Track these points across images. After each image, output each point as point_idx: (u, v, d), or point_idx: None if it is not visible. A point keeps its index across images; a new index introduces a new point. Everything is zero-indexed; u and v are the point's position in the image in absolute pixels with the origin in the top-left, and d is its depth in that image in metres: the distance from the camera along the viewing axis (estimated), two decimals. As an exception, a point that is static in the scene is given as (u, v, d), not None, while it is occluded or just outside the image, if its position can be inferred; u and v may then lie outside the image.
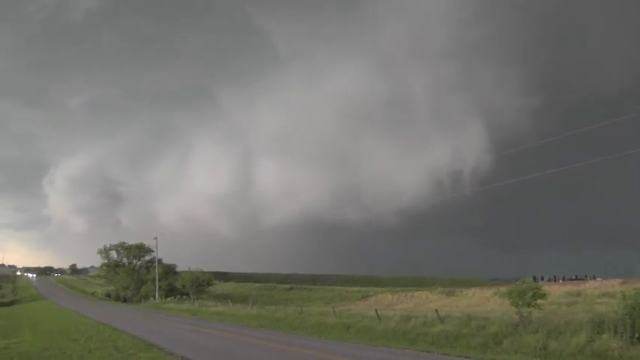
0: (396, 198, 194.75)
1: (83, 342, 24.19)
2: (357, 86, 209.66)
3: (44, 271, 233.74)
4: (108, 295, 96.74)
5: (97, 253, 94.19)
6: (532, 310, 21.11)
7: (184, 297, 73.18)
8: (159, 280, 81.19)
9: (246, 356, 20.51)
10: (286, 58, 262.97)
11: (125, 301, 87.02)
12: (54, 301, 76.81)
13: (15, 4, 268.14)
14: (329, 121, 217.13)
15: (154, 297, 79.05)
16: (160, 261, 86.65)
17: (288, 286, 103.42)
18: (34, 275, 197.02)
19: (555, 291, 45.35)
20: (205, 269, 79.76)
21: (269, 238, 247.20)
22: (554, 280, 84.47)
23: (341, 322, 30.60)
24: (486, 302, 47.82)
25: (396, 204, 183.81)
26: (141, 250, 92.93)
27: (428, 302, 56.46)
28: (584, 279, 78.87)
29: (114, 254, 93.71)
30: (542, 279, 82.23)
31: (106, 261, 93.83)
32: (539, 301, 21.19)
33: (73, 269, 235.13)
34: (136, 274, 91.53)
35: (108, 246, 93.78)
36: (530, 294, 21.03)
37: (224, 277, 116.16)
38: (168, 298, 74.08)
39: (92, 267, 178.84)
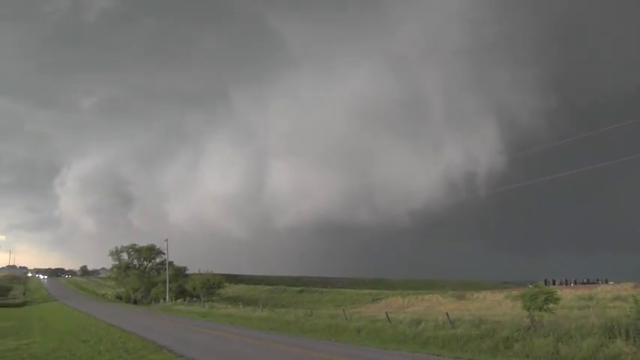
0: (408, 200, 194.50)
1: (93, 343, 24.28)
2: (370, 87, 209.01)
3: (55, 273, 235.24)
4: (118, 297, 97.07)
5: (108, 254, 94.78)
6: (544, 314, 20.93)
7: (194, 299, 73.33)
8: (169, 282, 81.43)
9: (256, 359, 20.49)
10: (299, 58, 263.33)
11: (135, 303, 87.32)
12: (64, 302, 77.18)
13: (29, 5, 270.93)
14: (342, 122, 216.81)
15: (164, 299, 79.28)
16: (170, 263, 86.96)
17: (298, 288, 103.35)
18: (45, 277, 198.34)
19: (567, 294, 44.95)
20: (216, 271, 79.88)
21: (280, 239, 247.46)
22: (566, 284, 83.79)
23: (352, 324, 30.52)
24: (498, 306, 47.52)
25: (408, 206, 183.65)
26: (152, 252, 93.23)
27: (439, 305, 56.17)
28: (596, 282, 78.21)
29: (125, 256, 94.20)
30: (554, 282, 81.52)
31: (117, 263, 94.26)
32: (551, 305, 21.01)
33: (84, 271, 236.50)
34: (147, 276, 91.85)
35: (119, 248, 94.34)
36: (543, 298, 20.85)
37: (234, 279, 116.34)
38: (179, 300, 74.25)
39: (103, 269, 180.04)
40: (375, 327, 28.33)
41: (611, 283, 66.16)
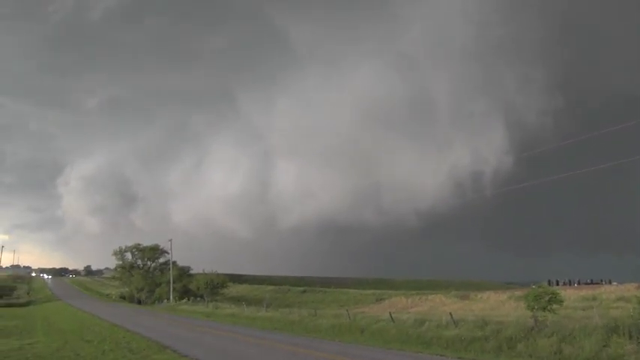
0: (412, 200, 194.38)
1: (97, 343, 24.35)
2: (377, 87, 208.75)
3: (59, 272, 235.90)
4: (122, 297, 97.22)
5: (112, 254, 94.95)
6: (547, 315, 20.92)
7: (198, 299, 73.44)
8: (173, 282, 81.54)
9: (260, 359, 20.53)
10: (306, 58, 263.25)
11: (139, 302, 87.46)
12: (68, 302, 77.31)
13: (33, 4, 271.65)
14: (348, 122, 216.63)
15: (168, 299, 79.39)
16: (174, 263, 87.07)
17: (302, 288, 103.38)
18: (49, 276, 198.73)
19: (571, 295, 44.83)
20: (220, 270, 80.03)
21: (284, 239, 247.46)
22: (570, 284, 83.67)
23: (355, 324, 30.57)
24: (501, 306, 47.45)
25: (412, 206, 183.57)
26: (155, 251, 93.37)
27: (442, 306, 56.12)
28: (599, 283, 78.06)
29: (129, 256, 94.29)
30: (558, 283, 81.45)
31: (121, 262, 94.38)
32: (554, 306, 21.00)
33: (88, 270, 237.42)
34: (151, 276, 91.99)
35: (123, 247, 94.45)
36: (547, 298, 20.84)
37: (238, 279, 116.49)
38: (183, 300, 74.35)
39: (107, 268, 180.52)
40: (378, 327, 28.37)
41: (615, 283, 66.03)
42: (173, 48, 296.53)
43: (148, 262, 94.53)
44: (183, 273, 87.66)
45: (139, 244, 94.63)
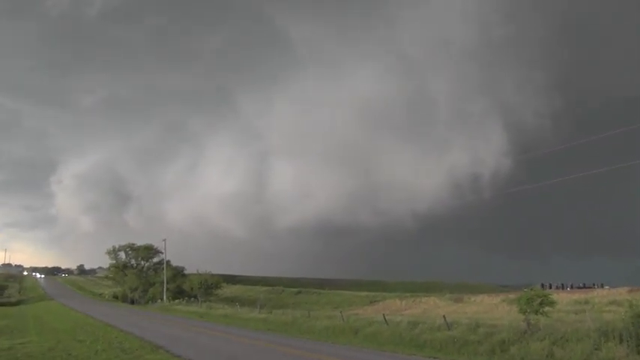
0: (409, 202, 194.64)
1: (89, 343, 24.26)
2: (375, 87, 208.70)
3: (51, 272, 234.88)
4: (115, 297, 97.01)
5: (106, 253, 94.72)
6: (540, 318, 21.01)
7: (192, 299, 73.33)
8: (167, 282, 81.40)
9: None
10: (305, 58, 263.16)
11: (133, 302, 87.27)
12: (61, 301, 77.06)
13: (30, 1, 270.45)
14: (345, 123, 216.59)
15: (162, 299, 79.24)
16: (168, 263, 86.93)
17: (296, 289, 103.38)
18: (42, 275, 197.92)
19: (563, 299, 45.06)
20: (214, 271, 79.95)
21: (280, 240, 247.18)
22: (562, 288, 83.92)
23: (349, 326, 30.61)
24: (494, 309, 47.61)
25: (409, 208, 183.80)
26: (149, 251, 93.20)
27: (436, 308, 56.25)
28: (592, 287, 78.38)
29: (122, 255, 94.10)
30: (551, 286, 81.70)
31: (115, 262, 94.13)
32: (546, 309, 21.08)
33: (81, 270, 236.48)
34: (144, 275, 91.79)
35: (116, 247, 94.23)
36: (539, 301, 20.92)
37: (232, 279, 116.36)
38: (176, 300, 74.24)
39: (100, 268, 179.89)
40: (372, 329, 28.41)
41: (607, 287, 66.33)
42: (171, 47, 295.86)
43: (142, 262, 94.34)
44: (177, 273, 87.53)
45: (132, 244, 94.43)
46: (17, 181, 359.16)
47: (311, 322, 34.73)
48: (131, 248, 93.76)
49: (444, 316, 26.23)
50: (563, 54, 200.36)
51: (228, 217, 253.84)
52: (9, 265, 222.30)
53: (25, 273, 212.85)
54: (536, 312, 20.99)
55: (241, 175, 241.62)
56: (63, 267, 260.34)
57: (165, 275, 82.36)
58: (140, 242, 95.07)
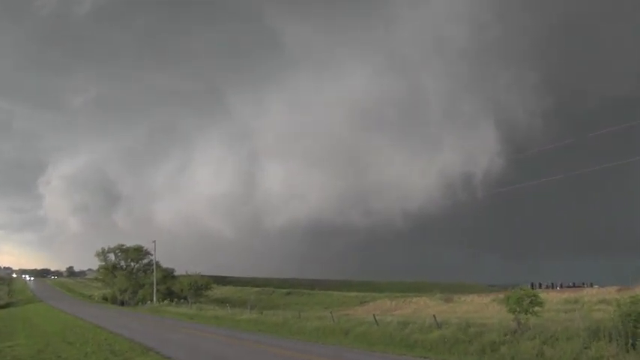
0: (399, 202, 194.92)
1: (79, 345, 24.11)
2: (367, 87, 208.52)
3: (41, 274, 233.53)
4: (105, 299, 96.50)
5: (95, 255, 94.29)
6: (529, 317, 21.10)
7: (182, 301, 73.08)
8: (157, 284, 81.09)
9: (244, 361, 20.52)
10: (295, 58, 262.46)
11: (122, 304, 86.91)
12: (50, 303, 76.60)
13: (19, 1, 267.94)
14: (337, 122, 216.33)
15: (152, 300, 78.93)
16: (158, 264, 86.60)
17: (286, 290, 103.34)
18: (31, 278, 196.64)
19: (553, 298, 45.32)
20: (204, 272, 79.86)
21: (270, 240, 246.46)
22: (552, 287, 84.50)
23: (339, 327, 30.60)
24: (485, 309, 47.77)
25: (399, 208, 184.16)
26: (139, 252, 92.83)
27: (426, 308, 56.37)
28: (581, 286, 78.89)
29: (112, 257, 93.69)
30: (540, 286, 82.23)
31: (104, 263, 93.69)
32: (536, 308, 21.17)
33: (70, 272, 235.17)
34: (134, 277, 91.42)
35: (106, 248, 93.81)
36: (528, 301, 21.00)
37: (222, 280, 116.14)
38: (166, 302, 73.95)
39: (90, 269, 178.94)
40: (362, 329, 28.40)
41: (596, 286, 66.77)
42: (161, 46, 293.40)
43: (132, 263, 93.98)
44: (167, 274, 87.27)
45: (122, 245, 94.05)
46: (5, 183, 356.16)
47: (301, 323, 34.70)
48: (120, 250, 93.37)
49: (434, 316, 26.27)
50: (554, 54, 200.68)
51: (218, 218, 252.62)
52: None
53: (14, 275, 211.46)
54: (526, 311, 21.07)
55: (231, 175, 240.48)
56: (52, 269, 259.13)
57: (155, 277, 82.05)
58: (130, 243, 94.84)
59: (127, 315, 56.31)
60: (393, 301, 68.61)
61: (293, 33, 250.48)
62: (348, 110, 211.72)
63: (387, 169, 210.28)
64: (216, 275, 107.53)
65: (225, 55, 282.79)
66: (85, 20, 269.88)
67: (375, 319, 29.76)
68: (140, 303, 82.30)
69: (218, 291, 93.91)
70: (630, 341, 15.98)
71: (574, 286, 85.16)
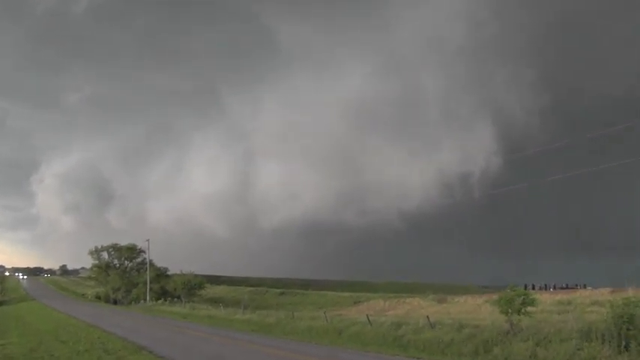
0: (394, 202, 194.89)
1: (72, 344, 24.01)
2: (363, 86, 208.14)
3: (34, 272, 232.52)
4: (98, 297, 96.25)
5: (88, 254, 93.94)
6: (522, 318, 21.13)
7: (176, 300, 72.98)
8: (150, 283, 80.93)
9: (237, 360, 20.49)
10: (291, 57, 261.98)
11: (115, 303, 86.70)
12: (43, 302, 76.28)
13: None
14: (333, 122, 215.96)
15: (145, 299, 78.76)
16: (151, 263, 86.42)
17: (280, 290, 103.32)
18: (24, 276, 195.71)
19: (546, 299, 45.41)
20: (198, 271, 79.80)
21: (265, 240, 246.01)
22: (546, 289, 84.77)
23: (333, 327, 30.61)
24: (478, 309, 47.80)
25: (394, 208, 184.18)
26: (133, 251, 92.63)
27: (419, 309, 56.39)
28: (574, 287, 79.21)
29: (105, 255, 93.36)
30: (533, 287, 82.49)
31: (97, 262, 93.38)
32: (529, 309, 21.21)
33: (64, 270, 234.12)
34: (127, 276, 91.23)
35: (99, 247, 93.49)
36: (519, 301, 21.03)
37: (216, 280, 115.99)
38: (160, 301, 73.84)
39: (83, 268, 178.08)
40: (356, 330, 28.42)
41: (590, 288, 67.02)
42: (158, 45, 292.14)
43: (125, 262, 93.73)
44: (161, 273, 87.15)
45: (115, 244, 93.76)
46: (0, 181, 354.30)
47: (295, 323, 34.70)
48: (114, 248, 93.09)
49: (427, 317, 26.31)
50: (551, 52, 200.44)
51: (213, 217, 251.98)
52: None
53: (7, 273, 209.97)
54: (518, 312, 21.10)
55: (226, 174, 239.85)
56: (45, 267, 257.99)
57: (148, 275, 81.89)
58: (123, 242, 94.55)
59: (120, 314, 56.15)
60: (387, 302, 68.59)
61: (289, 32, 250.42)
62: (343, 109, 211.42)
63: (377, 168, 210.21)
64: (210, 274, 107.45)
65: (223, 54, 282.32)
66: (81, 18, 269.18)
67: (368, 319, 29.77)
68: (133, 302, 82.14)
69: (211, 290, 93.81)
70: (623, 343, 16.04)
71: (567, 287, 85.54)
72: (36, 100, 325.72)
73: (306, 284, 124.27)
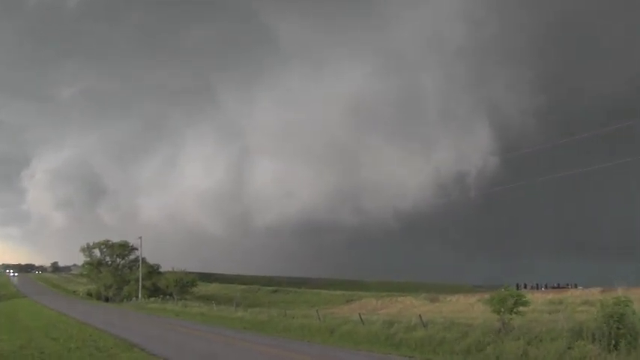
0: (389, 202, 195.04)
1: (63, 341, 23.95)
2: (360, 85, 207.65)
3: (25, 269, 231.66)
4: (89, 294, 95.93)
5: (80, 250, 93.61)
6: (513, 317, 21.23)
7: (168, 297, 72.84)
8: (142, 280, 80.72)
9: (230, 358, 20.45)
10: (288, 54, 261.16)
11: (107, 300, 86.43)
12: (34, 299, 76.01)
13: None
14: (329, 120, 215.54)
15: (137, 297, 78.57)
16: (144, 260, 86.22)
17: (273, 288, 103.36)
18: (15, 273, 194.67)
19: (538, 299, 45.66)
20: (190, 268, 79.71)
21: (259, 238, 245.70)
22: (537, 288, 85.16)
23: (325, 325, 30.59)
24: (470, 309, 47.99)
25: (388, 208, 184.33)
26: (125, 248, 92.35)
27: (412, 308, 56.56)
28: (565, 287, 79.59)
29: (97, 252, 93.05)
30: (525, 286, 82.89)
31: (89, 259, 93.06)
32: (521, 309, 21.32)
33: (55, 267, 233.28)
34: (119, 273, 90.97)
35: (91, 244, 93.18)
36: (512, 301, 21.13)
37: (208, 278, 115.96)
38: (152, 299, 73.65)
39: (75, 265, 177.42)
40: (348, 328, 28.42)
41: (581, 288, 67.39)
42: (152, 41, 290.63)
43: (117, 259, 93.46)
44: (153, 271, 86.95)
45: (107, 241, 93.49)
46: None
47: (287, 321, 34.70)
48: (106, 245, 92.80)
49: (419, 316, 26.36)
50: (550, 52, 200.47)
51: (206, 214, 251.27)
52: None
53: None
54: (510, 311, 21.20)
55: (221, 171, 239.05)
56: (36, 264, 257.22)
57: (140, 273, 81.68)
58: (115, 239, 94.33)
59: (112, 311, 56.00)
60: (379, 300, 68.76)
61: (287, 30, 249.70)
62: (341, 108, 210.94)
63: (369, 166, 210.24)
64: (202, 272, 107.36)
65: (217, 51, 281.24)
66: (74, 12, 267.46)
67: (360, 318, 29.80)
68: (125, 299, 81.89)
69: (204, 288, 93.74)
70: (613, 342, 16.18)
71: (558, 287, 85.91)
72: (28, 94, 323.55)
73: (299, 282, 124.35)
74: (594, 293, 46.25)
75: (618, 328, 16.33)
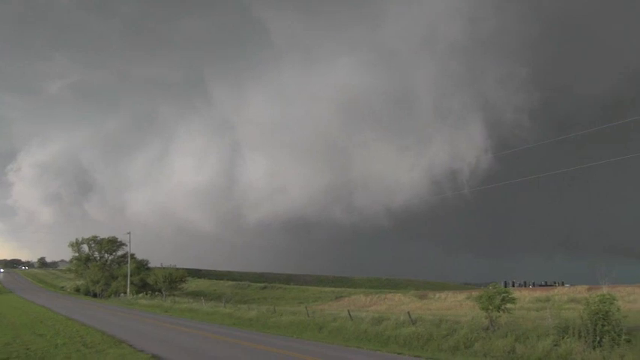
0: (379, 199, 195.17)
1: (50, 337, 23.81)
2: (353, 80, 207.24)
3: (11, 264, 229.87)
4: (77, 290, 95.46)
5: (69, 246, 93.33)
6: (501, 315, 21.38)
7: (157, 293, 72.60)
8: (131, 276, 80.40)
9: (218, 354, 20.39)
10: (280, 49, 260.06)
11: (95, 296, 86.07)
12: (20, 295, 75.54)
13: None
14: (320, 116, 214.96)
15: (125, 293, 78.25)
16: (132, 256, 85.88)
17: (262, 284, 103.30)
18: (1, 269, 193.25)
19: (525, 296, 46.05)
20: (180, 264, 79.45)
21: (249, 234, 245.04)
22: (525, 286, 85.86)
23: (314, 322, 30.63)
24: (458, 306, 48.34)
25: (378, 205, 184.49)
26: (113, 244, 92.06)
27: (400, 305, 56.80)
28: (553, 285, 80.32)
29: (85, 248, 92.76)
30: (513, 284, 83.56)
31: (77, 254, 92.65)
32: (508, 306, 21.47)
33: (42, 262, 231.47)
34: (108, 268, 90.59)
35: (79, 239, 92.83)
36: (500, 298, 21.28)
37: (197, 274, 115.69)
38: (140, 294, 73.40)
39: (62, 261, 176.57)
40: (337, 325, 28.47)
41: (567, 285, 68.02)
42: (142, 34, 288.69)
43: (106, 255, 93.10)
44: (142, 266, 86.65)
45: (96, 236, 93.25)
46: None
47: (276, 318, 34.71)
48: (94, 241, 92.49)
49: (408, 312, 26.46)
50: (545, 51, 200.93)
51: (195, 210, 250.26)
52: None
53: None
54: (498, 309, 21.35)
55: (211, 167, 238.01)
56: (23, 259, 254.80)
57: (129, 268, 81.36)
58: (104, 234, 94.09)
59: (100, 307, 55.73)
60: (368, 297, 68.96)
61: (279, 24, 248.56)
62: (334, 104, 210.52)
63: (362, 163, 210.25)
64: (191, 268, 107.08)
65: (209, 45, 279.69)
66: (65, 4, 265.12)
67: (349, 314, 29.87)
68: (113, 295, 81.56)
69: (193, 284, 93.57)
70: (598, 338, 16.40)
71: (546, 284, 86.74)
72: (15, 87, 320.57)
73: (288, 279, 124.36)
74: (581, 291, 46.76)
75: (603, 325, 16.54)
